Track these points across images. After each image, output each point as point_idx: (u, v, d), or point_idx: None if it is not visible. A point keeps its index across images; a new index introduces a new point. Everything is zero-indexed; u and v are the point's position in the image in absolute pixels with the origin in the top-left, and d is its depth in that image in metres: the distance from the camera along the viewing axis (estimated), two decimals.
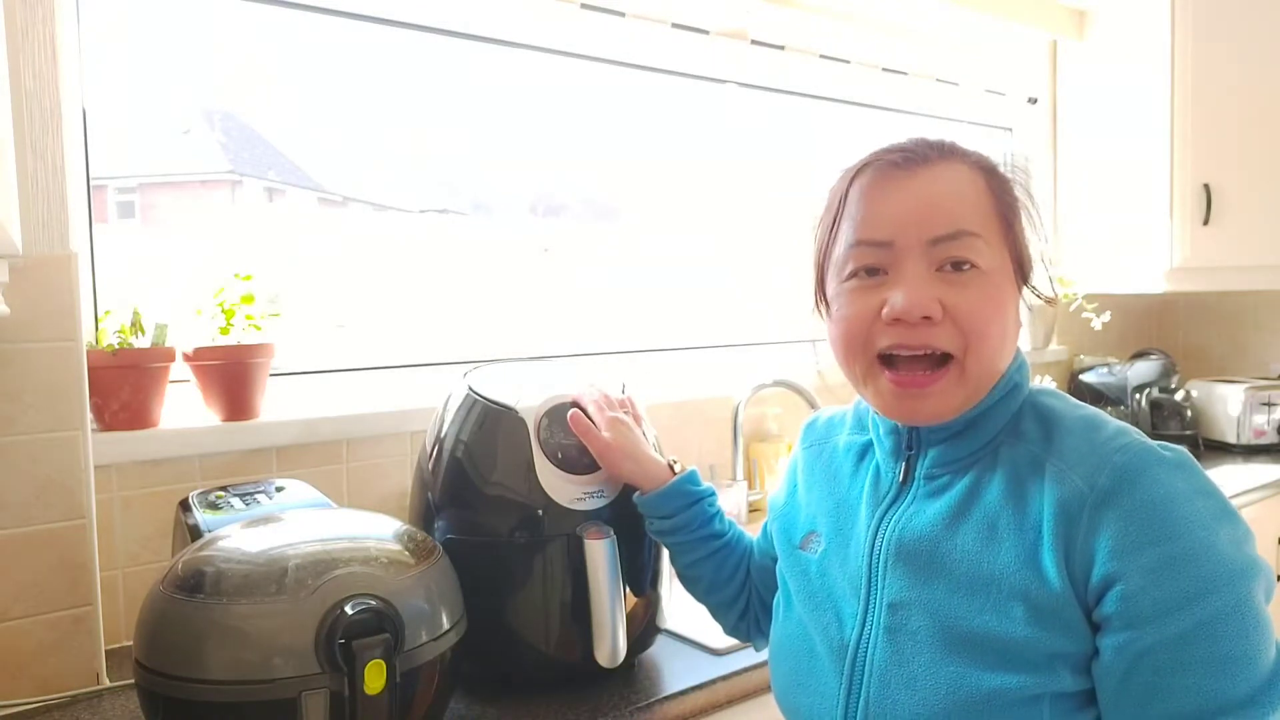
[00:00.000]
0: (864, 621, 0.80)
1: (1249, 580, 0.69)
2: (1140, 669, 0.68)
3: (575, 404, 1.08)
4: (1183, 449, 0.75)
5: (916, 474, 0.83)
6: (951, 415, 0.79)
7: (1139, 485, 0.71)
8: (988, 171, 0.81)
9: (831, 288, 0.83)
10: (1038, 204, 0.84)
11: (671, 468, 1.06)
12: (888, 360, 0.79)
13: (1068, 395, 0.84)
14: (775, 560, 0.99)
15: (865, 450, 0.91)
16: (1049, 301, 0.86)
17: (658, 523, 1.05)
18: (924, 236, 0.77)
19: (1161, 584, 0.68)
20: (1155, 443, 0.75)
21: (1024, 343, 2.59)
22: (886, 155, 0.81)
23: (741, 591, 1.06)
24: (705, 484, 1.07)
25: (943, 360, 0.77)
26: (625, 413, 1.10)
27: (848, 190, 0.82)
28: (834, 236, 0.83)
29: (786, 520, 0.97)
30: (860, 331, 0.79)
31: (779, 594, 0.95)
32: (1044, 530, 0.73)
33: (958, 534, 0.78)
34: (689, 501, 1.04)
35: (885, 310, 0.77)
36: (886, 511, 0.83)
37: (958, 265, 0.77)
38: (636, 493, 1.06)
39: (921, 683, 0.74)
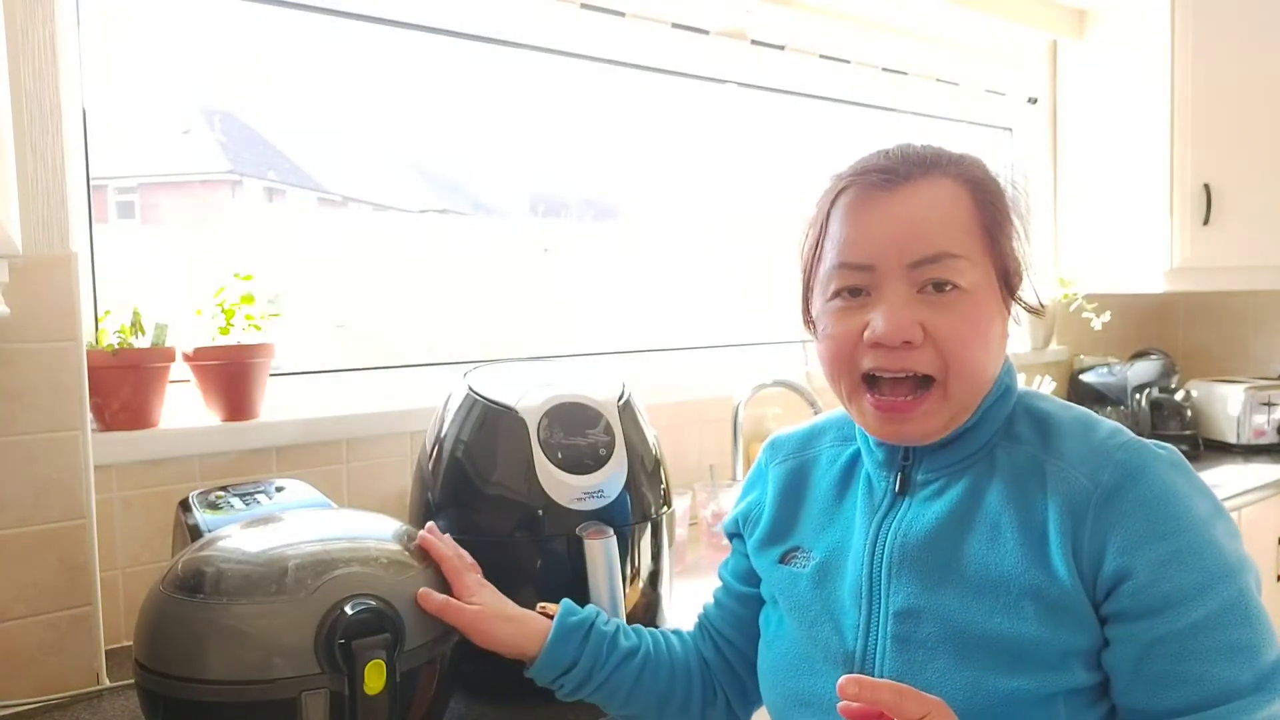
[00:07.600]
0: (867, 632, 0.80)
1: (1245, 573, 0.73)
2: (1153, 658, 0.71)
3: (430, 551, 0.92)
4: (1173, 447, 0.78)
5: (913, 480, 0.83)
6: (938, 435, 0.80)
7: (1141, 481, 0.73)
8: (974, 184, 0.80)
9: (817, 305, 0.84)
10: (1028, 212, 0.83)
11: (544, 614, 0.94)
12: (871, 381, 0.79)
13: (1055, 397, 0.86)
14: (744, 600, 0.97)
15: (854, 460, 0.90)
16: (1036, 312, 0.87)
17: (568, 681, 0.91)
18: (905, 260, 0.77)
19: (1170, 577, 0.71)
20: (1148, 440, 0.78)
21: (1024, 343, 2.59)
22: (868, 175, 0.80)
23: (691, 682, 0.98)
24: (585, 607, 0.95)
25: (925, 381, 0.78)
26: (477, 572, 0.95)
27: (829, 210, 0.82)
28: (818, 256, 0.83)
29: (761, 540, 0.94)
30: (845, 352, 0.80)
31: (765, 613, 0.93)
32: (1050, 528, 0.75)
33: (963, 539, 0.78)
34: (583, 635, 0.91)
35: (867, 333, 0.78)
36: (884, 519, 0.83)
37: (939, 286, 0.77)
38: (526, 668, 0.91)
39: (937, 690, 0.74)
